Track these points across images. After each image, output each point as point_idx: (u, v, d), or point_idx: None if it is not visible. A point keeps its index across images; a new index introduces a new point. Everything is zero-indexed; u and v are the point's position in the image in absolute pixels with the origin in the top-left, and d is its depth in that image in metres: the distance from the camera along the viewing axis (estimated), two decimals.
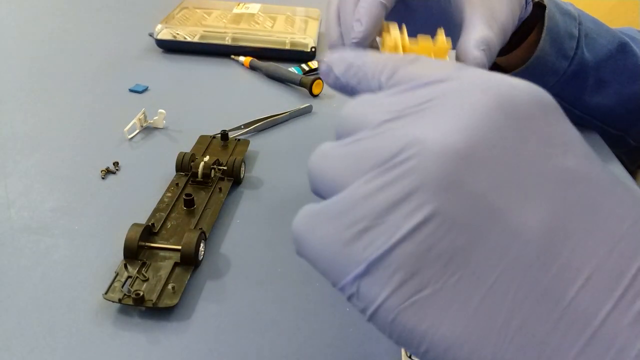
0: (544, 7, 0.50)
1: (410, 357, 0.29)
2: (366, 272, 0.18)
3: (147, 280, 0.35)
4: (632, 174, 0.55)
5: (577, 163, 0.18)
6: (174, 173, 0.47)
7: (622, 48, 0.53)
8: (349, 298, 0.19)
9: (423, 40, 0.32)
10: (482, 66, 0.36)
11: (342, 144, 0.21)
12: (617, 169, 0.51)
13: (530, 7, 0.46)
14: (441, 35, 0.32)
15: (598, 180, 0.18)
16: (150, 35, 0.75)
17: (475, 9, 0.40)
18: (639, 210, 0.17)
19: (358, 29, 0.38)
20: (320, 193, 0.22)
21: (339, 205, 0.19)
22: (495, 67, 0.55)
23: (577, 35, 0.51)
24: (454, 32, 0.42)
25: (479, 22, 0.38)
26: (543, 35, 0.49)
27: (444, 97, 0.19)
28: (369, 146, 0.19)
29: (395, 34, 0.33)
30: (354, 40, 0.37)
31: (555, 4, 0.51)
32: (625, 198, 0.18)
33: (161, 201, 0.43)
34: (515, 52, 0.51)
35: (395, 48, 0.32)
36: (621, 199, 0.18)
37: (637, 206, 0.18)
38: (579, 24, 0.51)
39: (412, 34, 0.36)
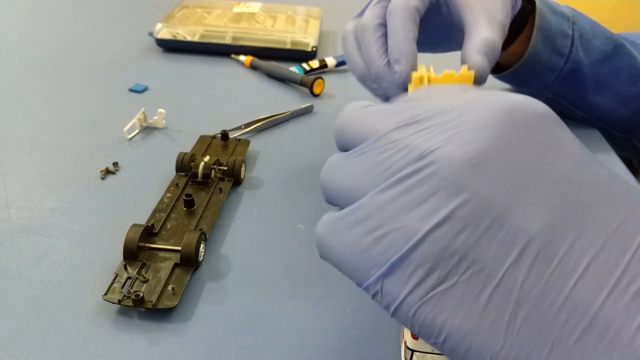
0: (533, 3, 0.50)
1: None
2: (389, 271, 0.20)
3: (146, 281, 0.35)
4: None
5: (573, 166, 0.20)
6: (174, 173, 0.47)
7: (617, 50, 0.54)
8: (373, 296, 0.21)
9: (447, 72, 0.35)
10: (484, 70, 0.37)
11: (351, 156, 0.23)
12: (619, 168, 0.51)
13: (519, 4, 0.47)
14: (463, 66, 0.35)
15: (593, 180, 0.20)
16: (150, 34, 0.75)
17: (475, 13, 0.41)
18: (630, 207, 0.19)
19: (399, 69, 0.39)
20: (334, 203, 0.24)
21: (357, 214, 0.21)
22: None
23: (570, 34, 0.52)
24: (461, 40, 0.42)
25: (480, 23, 0.39)
26: (534, 32, 0.50)
27: (449, 112, 0.21)
28: (379, 158, 0.21)
29: (421, 71, 0.36)
30: (399, 81, 0.39)
31: (547, 4, 0.52)
32: (619, 195, 0.19)
33: (161, 201, 0.43)
34: (511, 49, 0.52)
35: (420, 80, 0.36)
36: (614, 196, 0.19)
37: (629, 203, 0.19)
38: (573, 24, 0.52)
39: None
